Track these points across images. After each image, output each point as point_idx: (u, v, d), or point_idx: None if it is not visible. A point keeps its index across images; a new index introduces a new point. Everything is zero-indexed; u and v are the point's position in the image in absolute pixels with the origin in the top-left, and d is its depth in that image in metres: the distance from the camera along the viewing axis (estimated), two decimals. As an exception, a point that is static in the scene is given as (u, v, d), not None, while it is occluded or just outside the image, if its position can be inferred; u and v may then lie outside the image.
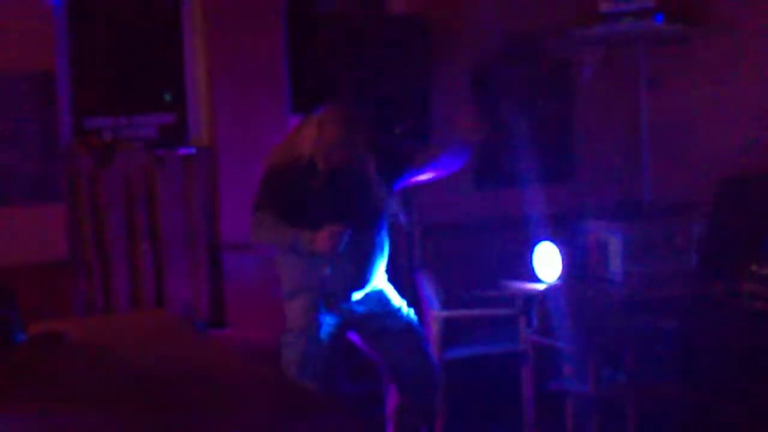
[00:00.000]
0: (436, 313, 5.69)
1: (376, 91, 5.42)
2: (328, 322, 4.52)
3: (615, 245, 5.51)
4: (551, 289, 5.53)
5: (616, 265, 5.48)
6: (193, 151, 6.23)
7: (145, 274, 6.08)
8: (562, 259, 5.67)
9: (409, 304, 4.82)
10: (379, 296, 4.65)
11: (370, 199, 4.59)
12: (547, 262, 5.73)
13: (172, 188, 6.13)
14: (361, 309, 4.59)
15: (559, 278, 5.62)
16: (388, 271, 4.74)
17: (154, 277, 6.10)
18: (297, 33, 6.30)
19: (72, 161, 5.93)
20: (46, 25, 5.85)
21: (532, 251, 5.81)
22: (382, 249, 4.61)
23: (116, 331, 4.05)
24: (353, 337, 4.65)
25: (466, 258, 6.28)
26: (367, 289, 4.58)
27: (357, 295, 4.55)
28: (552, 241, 5.75)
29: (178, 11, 6.25)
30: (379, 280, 4.64)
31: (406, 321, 4.68)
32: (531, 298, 5.64)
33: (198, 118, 6.30)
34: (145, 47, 6.34)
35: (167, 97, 6.31)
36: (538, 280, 5.74)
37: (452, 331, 5.71)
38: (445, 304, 5.76)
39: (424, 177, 4.81)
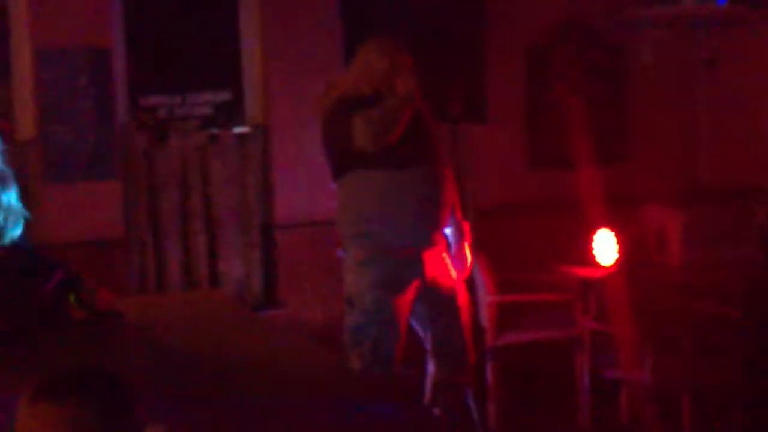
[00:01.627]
0: (490, 297, 5.64)
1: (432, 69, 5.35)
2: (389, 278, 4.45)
3: (674, 230, 5.44)
4: (608, 274, 5.47)
5: (675, 250, 5.42)
6: (248, 129, 6.20)
7: (198, 252, 6.07)
8: (620, 244, 5.60)
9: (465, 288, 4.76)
10: (443, 264, 4.58)
11: (430, 137, 4.54)
12: (605, 246, 5.67)
13: (227, 167, 6.11)
14: (429, 268, 4.50)
15: (617, 263, 5.55)
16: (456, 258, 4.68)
17: (207, 255, 6.09)
18: (352, 11, 6.24)
19: (127, 139, 5.92)
20: (103, 1, 5.84)
21: (589, 235, 5.74)
22: (442, 192, 4.53)
23: (172, 310, 4.04)
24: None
25: (522, 241, 6.22)
26: (436, 238, 4.50)
27: (428, 243, 4.47)
28: (610, 225, 5.68)
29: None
30: (442, 244, 4.57)
31: (457, 297, 4.63)
32: (587, 283, 5.58)
33: (254, 96, 6.27)
34: (202, 25, 6.31)
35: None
36: (595, 265, 5.68)
37: (506, 316, 5.67)
38: (500, 289, 5.71)
39: None
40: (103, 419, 1.90)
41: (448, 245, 4.66)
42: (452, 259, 4.65)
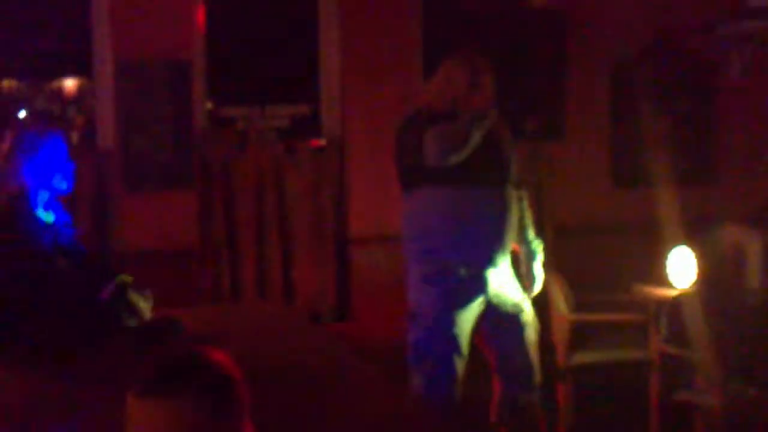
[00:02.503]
0: (564, 315, 5.57)
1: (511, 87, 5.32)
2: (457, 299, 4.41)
3: (753, 252, 5.29)
4: (684, 296, 5.34)
5: (753, 273, 5.26)
6: (325, 142, 6.23)
7: (273, 264, 6.10)
8: (698, 265, 5.47)
9: (538, 306, 4.70)
10: (507, 282, 4.54)
11: (501, 157, 4.50)
12: (682, 267, 5.54)
13: (303, 179, 6.14)
14: (493, 286, 4.47)
15: (693, 285, 5.43)
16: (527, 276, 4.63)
17: (281, 267, 6.12)
18: (432, 27, 6.23)
19: (205, 149, 5.99)
20: (183, 13, 5.92)
21: (667, 255, 5.63)
22: (508, 212, 4.49)
23: (231, 321, 4.07)
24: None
25: (599, 260, 6.13)
26: (501, 257, 4.46)
27: (492, 262, 4.43)
28: (688, 245, 5.56)
29: (315, 2, 6.25)
30: (507, 263, 4.53)
31: (521, 312, 4.57)
32: (662, 304, 5.46)
33: (331, 110, 6.30)
34: (282, 38, 6.37)
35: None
36: (671, 286, 5.56)
37: (580, 335, 5.58)
38: (574, 307, 5.63)
39: None
40: (211, 410, 1.85)
41: (518, 263, 4.61)
42: (522, 277, 4.60)
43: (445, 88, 4.47)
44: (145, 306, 3.76)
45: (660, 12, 6.50)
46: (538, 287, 4.66)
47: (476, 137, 4.32)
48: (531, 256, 4.64)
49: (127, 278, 3.79)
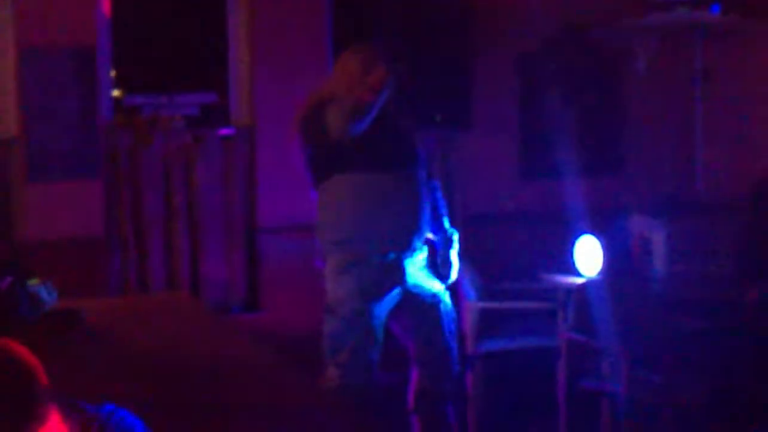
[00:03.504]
0: (473, 303, 5.60)
1: (418, 77, 5.33)
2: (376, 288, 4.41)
3: (658, 242, 5.38)
4: (590, 284, 5.40)
5: (658, 262, 5.35)
6: (234, 131, 6.17)
7: (181, 254, 6.04)
8: (604, 254, 5.53)
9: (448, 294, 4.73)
10: (425, 271, 4.55)
11: (406, 140, 4.50)
12: (588, 256, 5.60)
13: (211, 168, 6.08)
14: (410, 275, 4.47)
15: (599, 273, 5.49)
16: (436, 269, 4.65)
17: (190, 257, 6.06)
18: (341, 17, 6.22)
19: (111, 138, 5.90)
20: (88, 0, 5.82)
21: (573, 244, 5.69)
22: (420, 196, 4.50)
23: (136, 313, 4.02)
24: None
25: (507, 249, 6.19)
26: (417, 245, 4.47)
27: (408, 250, 4.44)
28: (594, 234, 5.62)
29: (224, -10, 6.20)
30: (423, 252, 4.54)
31: (440, 302, 4.59)
32: (569, 292, 5.52)
33: (239, 98, 6.24)
34: (189, 25, 6.30)
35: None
36: (578, 275, 5.62)
37: (488, 323, 5.62)
38: (483, 295, 5.66)
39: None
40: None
41: (435, 252, 4.63)
42: (438, 266, 4.62)
43: (341, 78, 4.49)
44: (47, 297, 3.70)
45: (565, 3, 6.56)
46: (454, 276, 4.69)
47: (377, 104, 4.33)
48: (447, 244, 4.67)
49: (33, 281, 3.71)
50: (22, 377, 1.93)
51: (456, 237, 4.69)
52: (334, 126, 4.31)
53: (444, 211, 4.70)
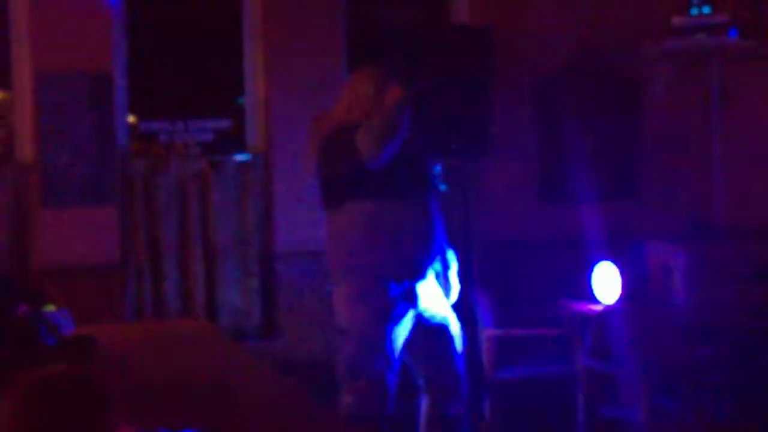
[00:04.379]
0: (490, 330, 5.56)
1: (435, 103, 5.29)
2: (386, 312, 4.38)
3: (677, 268, 5.33)
4: (609, 311, 5.36)
5: (677, 289, 5.30)
6: (249, 157, 6.16)
7: (196, 280, 6.01)
8: (622, 281, 5.49)
9: (464, 321, 4.69)
10: (435, 294, 4.52)
11: (419, 169, 4.47)
12: (607, 282, 5.56)
13: (227, 194, 6.06)
14: (423, 299, 4.44)
15: (618, 300, 5.45)
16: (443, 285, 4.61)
17: (205, 284, 6.03)
18: (357, 42, 6.21)
19: (127, 164, 5.89)
20: (104, 26, 5.82)
21: (592, 271, 5.65)
22: (435, 224, 4.47)
23: (148, 339, 4.00)
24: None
25: (525, 275, 6.13)
26: (429, 270, 4.44)
27: (421, 275, 4.40)
28: (613, 261, 5.58)
29: (239, 16, 6.18)
30: (433, 275, 4.51)
31: (450, 327, 4.55)
32: (587, 319, 5.48)
33: (255, 124, 6.23)
34: (205, 52, 6.30)
35: (241, 101, 6.27)
36: (596, 302, 5.58)
37: (506, 350, 5.58)
38: (500, 322, 5.62)
39: None
40: (72, 419, 1.98)
41: (438, 274, 4.60)
42: (442, 287, 4.59)
43: (354, 103, 4.47)
44: (63, 324, 3.67)
45: (584, 29, 6.54)
46: (454, 297, 4.66)
47: (404, 122, 4.29)
48: (446, 264, 4.64)
49: (49, 307, 3.69)
50: (95, 404, 2.03)
51: (453, 256, 4.66)
52: (365, 149, 4.26)
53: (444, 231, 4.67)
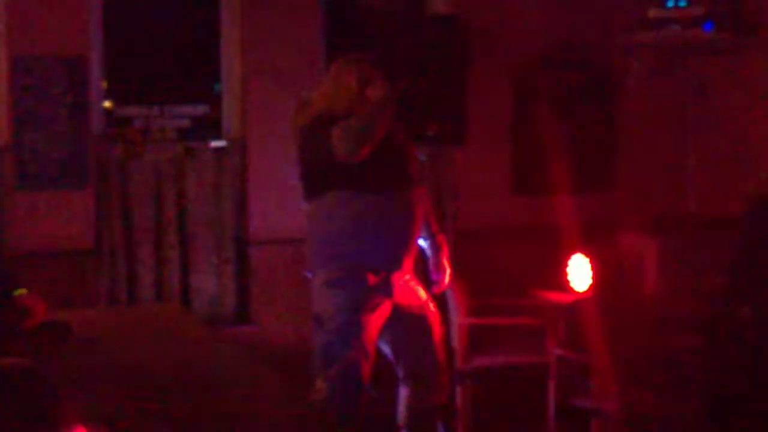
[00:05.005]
0: (463, 320, 5.57)
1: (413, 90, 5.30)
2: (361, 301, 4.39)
3: (649, 259, 5.37)
4: (582, 301, 5.39)
5: (649, 279, 5.34)
6: (225, 143, 6.15)
7: (171, 266, 6.01)
8: (595, 271, 5.53)
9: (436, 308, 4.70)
10: (412, 284, 4.53)
11: (404, 159, 4.49)
12: (579, 272, 5.60)
13: (203, 180, 6.06)
14: (399, 289, 4.45)
15: (590, 290, 5.48)
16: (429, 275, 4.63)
17: (180, 269, 6.03)
18: (334, 29, 6.21)
19: (102, 149, 5.88)
20: (80, 9, 5.80)
21: (565, 261, 5.68)
22: (414, 217, 4.48)
23: (124, 324, 3.99)
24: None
25: (498, 264, 6.16)
26: (407, 260, 4.45)
27: (398, 265, 4.42)
28: (585, 251, 5.62)
29: (217, 1, 6.17)
30: (411, 265, 4.52)
31: (427, 315, 4.56)
32: (560, 309, 5.50)
33: (232, 110, 6.23)
34: (182, 37, 6.29)
35: (217, 87, 6.26)
36: (569, 291, 5.61)
37: (478, 339, 5.60)
38: (473, 311, 5.64)
39: None
40: (19, 413, 1.92)
41: (425, 258, 4.60)
42: (431, 271, 4.59)
43: (337, 93, 4.46)
44: (34, 309, 3.66)
45: (561, 20, 6.56)
46: (448, 279, 4.67)
47: (384, 123, 4.30)
48: (437, 248, 4.65)
49: (19, 291, 3.68)
50: (41, 397, 1.99)
51: (444, 240, 4.67)
52: (340, 149, 4.26)
53: (431, 217, 4.67)
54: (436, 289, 4.68)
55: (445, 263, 4.67)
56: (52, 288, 4.06)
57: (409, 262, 4.50)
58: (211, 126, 6.24)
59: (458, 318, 5.57)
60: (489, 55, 6.33)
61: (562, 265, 5.71)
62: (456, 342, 5.55)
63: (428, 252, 4.65)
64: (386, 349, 4.61)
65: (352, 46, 5.73)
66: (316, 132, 4.36)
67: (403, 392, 4.64)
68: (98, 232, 5.87)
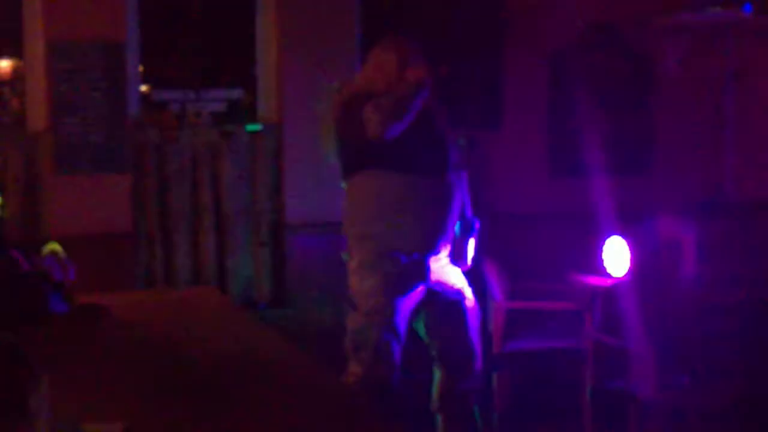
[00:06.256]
0: (500, 303, 5.56)
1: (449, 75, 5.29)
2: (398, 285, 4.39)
3: (687, 243, 5.33)
4: (618, 285, 5.36)
5: (687, 264, 5.29)
6: (261, 127, 6.16)
7: (207, 249, 6.03)
8: (632, 255, 5.49)
9: (473, 293, 4.69)
10: (449, 269, 4.52)
11: (441, 142, 4.47)
12: (617, 256, 5.57)
13: (238, 164, 6.07)
14: (434, 273, 4.45)
15: (628, 274, 5.45)
16: (452, 254, 4.61)
17: (216, 253, 6.05)
18: (370, 13, 6.19)
19: (139, 133, 5.90)
20: (117, -5, 5.83)
21: (602, 245, 5.65)
22: (451, 200, 4.47)
23: (162, 307, 4.01)
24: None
25: (534, 248, 6.14)
26: (442, 244, 4.44)
27: (434, 249, 4.41)
28: (623, 235, 5.58)
29: (252, -15, 6.19)
30: (447, 249, 4.50)
31: (463, 299, 4.56)
32: (597, 293, 5.48)
33: (267, 94, 6.23)
34: (217, 21, 6.29)
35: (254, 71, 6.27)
36: (606, 275, 5.58)
37: (515, 323, 5.59)
38: (510, 295, 5.63)
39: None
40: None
41: (453, 240, 4.58)
42: (452, 252, 4.56)
43: (377, 74, 4.46)
44: (60, 273, 3.67)
45: (598, 2, 6.51)
46: (468, 262, 4.64)
47: (416, 105, 4.29)
48: (466, 231, 4.62)
49: (54, 246, 3.71)
50: (21, 374, 1.95)
51: (476, 226, 4.64)
52: (371, 124, 4.26)
53: (467, 199, 4.65)
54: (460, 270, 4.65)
55: (470, 246, 4.64)
56: (89, 271, 4.07)
57: (444, 246, 4.49)
58: (246, 110, 6.25)
59: (495, 302, 5.56)
60: (525, 37, 6.31)
61: (599, 249, 5.68)
62: (492, 325, 5.54)
63: (457, 232, 4.64)
64: (420, 331, 4.61)
65: (389, 28, 5.72)
66: (353, 109, 4.36)
67: (437, 376, 4.64)
68: (135, 216, 5.89)
